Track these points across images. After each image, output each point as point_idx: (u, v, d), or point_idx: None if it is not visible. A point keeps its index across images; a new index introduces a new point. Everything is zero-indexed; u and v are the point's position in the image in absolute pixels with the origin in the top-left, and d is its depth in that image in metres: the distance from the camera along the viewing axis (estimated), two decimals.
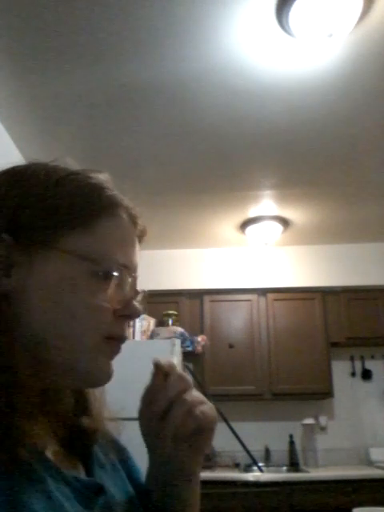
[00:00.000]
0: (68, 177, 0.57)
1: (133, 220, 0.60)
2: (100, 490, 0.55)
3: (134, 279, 0.58)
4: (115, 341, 0.57)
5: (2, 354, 0.49)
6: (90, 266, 0.54)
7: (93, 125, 2.68)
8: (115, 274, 0.54)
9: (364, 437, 4.21)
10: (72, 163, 0.61)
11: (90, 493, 0.53)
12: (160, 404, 0.58)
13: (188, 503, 0.65)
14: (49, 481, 0.49)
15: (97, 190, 0.57)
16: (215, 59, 2.21)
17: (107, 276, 0.54)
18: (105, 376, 0.57)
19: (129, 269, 0.57)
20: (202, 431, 0.59)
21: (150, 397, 0.60)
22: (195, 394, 0.59)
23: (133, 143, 2.86)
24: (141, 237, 0.62)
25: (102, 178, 0.60)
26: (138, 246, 0.61)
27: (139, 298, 0.60)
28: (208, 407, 0.60)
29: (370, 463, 4.00)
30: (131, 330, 3.55)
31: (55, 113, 2.57)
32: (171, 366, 0.61)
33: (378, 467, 3.77)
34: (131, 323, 3.51)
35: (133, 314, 0.57)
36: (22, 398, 0.48)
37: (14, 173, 0.58)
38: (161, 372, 0.60)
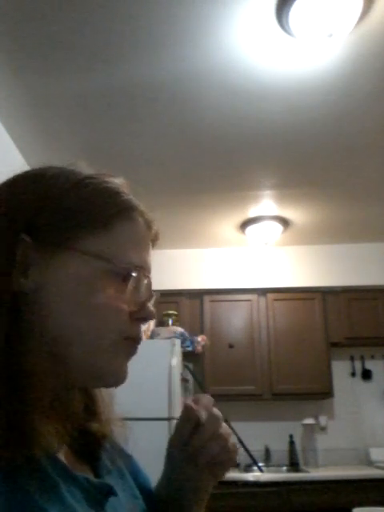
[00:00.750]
0: (85, 180, 0.58)
1: (148, 224, 0.61)
2: (110, 491, 0.55)
3: (149, 281, 0.59)
4: (132, 342, 0.58)
5: (20, 353, 0.49)
6: (107, 267, 0.54)
7: (93, 125, 2.68)
8: (133, 274, 0.55)
9: (364, 437, 4.21)
10: (86, 167, 0.62)
11: (100, 494, 0.54)
12: (201, 437, 0.62)
13: None
14: (61, 484, 0.49)
15: (114, 193, 0.58)
16: (215, 59, 2.21)
17: (125, 277, 0.55)
18: (121, 376, 0.58)
19: (145, 270, 0.58)
20: (226, 461, 0.64)
21: (185, 430, 0.63)
22: (226, 429, 0.64)
23: (133, 143, 2.86)
24: (154, 241, 0.64)
25: (118, 181, 0.61)
26: (151, 250, 0.62)
27: (153, 300, 0.61)
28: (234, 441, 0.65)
29: (370, 463, 4.00)
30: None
31: (55, 113, 2.57)
32: (206, 405, 0.64)
33: (378, 467, 3.77)
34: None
35: (148, 317, 0.58)
36: (38, 398, 0.48)
37: (33, 175, 0.59)
38: (195, 410, 0.63)
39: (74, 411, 0.59)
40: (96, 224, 0.55)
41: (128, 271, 0.55)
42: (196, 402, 0.64)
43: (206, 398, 0.65)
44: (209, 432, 0.62)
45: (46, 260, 0.53)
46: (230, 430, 0.65)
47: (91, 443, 0.61)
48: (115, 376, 0.57)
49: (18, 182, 0.58)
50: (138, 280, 0.56)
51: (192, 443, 0.62)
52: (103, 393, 0.64)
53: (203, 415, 0.62)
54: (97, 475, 0.60)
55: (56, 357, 0.52)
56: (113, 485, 0.58)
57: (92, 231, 0.55)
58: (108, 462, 0.64)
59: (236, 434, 3.60)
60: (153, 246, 0.63)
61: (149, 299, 0.59)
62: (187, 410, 0.63)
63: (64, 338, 0.53)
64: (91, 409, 0.62)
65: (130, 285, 0.55)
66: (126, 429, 0.67)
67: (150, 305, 0.59)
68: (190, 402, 0.64)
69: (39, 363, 0.50)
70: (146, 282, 0.58)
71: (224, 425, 0.64)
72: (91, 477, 0.57)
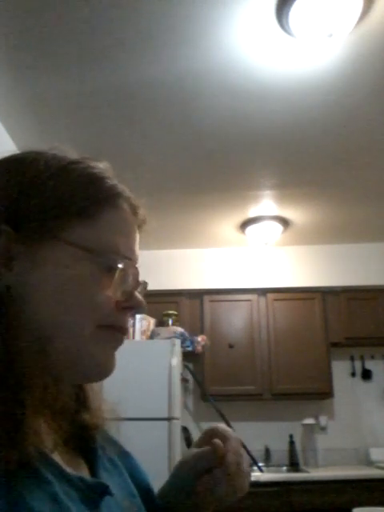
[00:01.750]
0: (69, 166, 0.56)
1: (133, 210, 0.60)
2: (104, 490, 0.54)
3: (136, 271, 0.58)
4: (117, 331, 0.56)
5: (7, 348, 0.48)
6: (93, 258, 0.53)
7: (92, 124, 2.68)
8: (120, 265, 0.54)
9: (364, 437, 4.21)
10: (70, 151, 0.60)
11: (95, 494, 0.52)
12: (215, 480, 0.63)
13: None
14: (56, 485, 0.48)
15: (98, 179, 0.57)
16: (215, 59, 2.21)
17: (111, 268, 0.54)
18: (108, 367, 0.56)
19: (131, 260, 0.57)
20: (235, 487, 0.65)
21: (202, 465, 0.65)
22: (246, 462, 0.65)
23: (133, 143, 2.86)
24: (141, 226, 0.61)
25: (102, 166, 0.60)
26: (138, 236, 0.60)
27: (140, 289, 0.60)
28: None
29: (370, 463, 4.00)
30: (131, 329, 3.55)
31: (55, 113, 2.57)
32: (235, 449, 0.64)
33: (378, 467, 3.77)
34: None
35: (136, 306, 0.57)
36: (28, 395, 0.47)
37: (12, 161, 0.57)
38: (223, 454, 0.64)
39: (65, 405, 0.56)
40: (81, 212, 0.53)
41: (114, 262, 0.54)
42: (224, 440, 0.65)
43: (235, 441, 0.65)
44: (233, 466, 0.62)
45: (29, 251, 0.52)
46: (247, 471, 0.65)
47: (84, 435, 0.60)
48: (101, 367, 0.55)
49: None
50: (124, 270, 0.55)
51: (203, 480, 0.64)
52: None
53: (230, 462, 0.63)
54: (92, 470, 0.58)
55: (41, 352, 0.50)
56: (108, 483, 0.57)
57: (77, 220, 0.53)
58: (104, 458, 0.62)
59: None
60: (140, 231, 0.61)
61: (136, 288, 0.57)
62: (215, 450, 0.64)
63: (47, 331, 0.51)
64: (82, 399, 0.60)
65: (117, 276, 0.54)
66: (118, 418, 0.65)
67: (138, 294, 0.58)
68: (218, 441, 0.64)
69: (26, 359, 0.48)
70: (132, 271, 0.57)
71: (244, 466, 0.65)
72: (86, 476, 0.56)
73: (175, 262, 4.37)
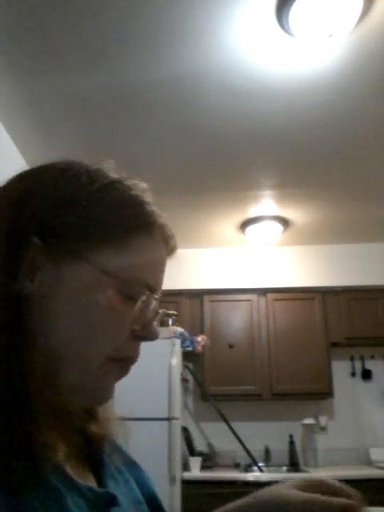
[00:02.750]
0: (110, 185, 0.55)
1: (166, 239, 0.58)
2: (112, 500, 0.54)
3: (158, 301, 0.56)
4: (126, 362, 0.55)
5: (21, 359, 0.47)
6: (117, 286, 0.52)
7: (93, 125, 2.68)
8: (143, 298, 0.53)
9: (364, 437, 4.21)
10: (112, 167, 0.58)
11: (103, 504, 0.52)
12: None
13: None
14: (66, 496, 0.48)
15: (136, 205, 0.55)
16: (215, 59, 2.21)
17: (133, 298, 0.53)
18: (107, 396, 0.56)
19: (155, 291, 0.56)
20: None
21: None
22: None
23: (132, 143, 2.86)
24: (171, 256, 0.60)
25: (142, 188, 0.58)
26: (166, 266, 0.59)
27: (158, 318, 0.58)
28: None
29: (370, 463, 4.00)
30: None
31: (55, 113, 2.57)
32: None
33: (378, 467, 3.77)
34: None
35: (150, 337, 0.56)
36: (40, 408, 0.47)
37: (54, 172, 0.55)
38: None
39: (74, 416, 0.56)
40: (113, 237, 0.52)
41: (138, 293, 0.52)
42: (334, 495, 0.57)
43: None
44: None
45: (55, 266, 0.51)
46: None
47: (91, 445, 0.59)
48: (101, 395, 0.55)
49: (36, 178, 0.55)
50: (146, 301, 0.54)
51: None
52: None
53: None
54: (100, 480, 0.58)
55: (49, 368, 0.49)
56: (115, 491, 0.57)
57: (107, 244, 0.52)
58: (111, 467, 0.62)
59: (236, 434, 3.60)
60: (169, 259, 0.60)
61: (154, 318, 0.56)
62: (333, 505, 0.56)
63: (61, 349, 0.50)
64: (90, 410, 0.60)
65: (138, 306, 0.53)
66: (126, 428, 0.64)
67: (155, 324, 0.56)
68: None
69: (39, 373, 0.48)
70: (154, 302, 0.55)
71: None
72: (94, 486, 0.55)
73: (175, 262, 4.33)
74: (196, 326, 4.16)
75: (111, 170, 0.58)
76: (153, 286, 0.55)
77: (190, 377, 4.15)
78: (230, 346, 4.14)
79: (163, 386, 3.05)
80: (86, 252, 0.51)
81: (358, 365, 4.39)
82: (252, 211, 3.78)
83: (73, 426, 0.55)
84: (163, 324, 3.84)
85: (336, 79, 2.34)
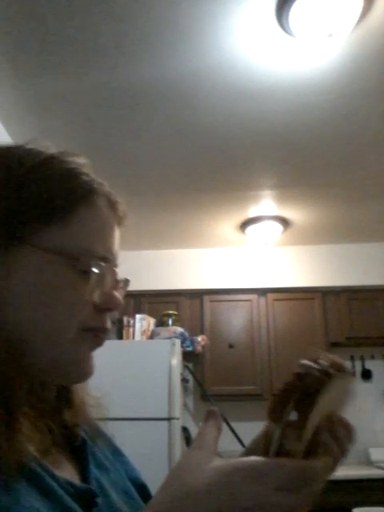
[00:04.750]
0: (42, 164, 0.53)
1: (112, 206, 0.57)
2: (93, 497, 0.53)
3: (114, 270, 0.57)
4: (96, 333, 0.55)
5: None
6: (67, 262, 0.51)
7: (92, 124, 2.68)
8: (94, 269, 0.52)
9: (364, 437, 4.20)
10: (48, 145, 0.57)
11: (84, 501, 0.51)
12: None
13: None
14: (50, 482, 0.48)
15: (72, 177, 0.54)
16: (215, 59, 2.21)
17: (85, 270, 0.52)
18: (86, 369, 0.55)
19: (109, 261, 0.55)
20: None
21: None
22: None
23: (133, 143, 2.86)
24: (121, 222, 0.59)
25: (79, 161, 0.57)
26: (118, 233, 0.59)
27: (121, 286, 0.59)
28: None
29: (370, 463, 4.00)
30: (131, 329, 3.55)
31: (55, 112, 2.57)
32: None
33: (378, 467, 3.77)
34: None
35: (114, 307, 0.56)
36: (13, 397, 0.47)
37: None
38: None
39: (50, 404, 0.56)
40: (53, 214, 0.51)
41: (89, 266, 0.52)
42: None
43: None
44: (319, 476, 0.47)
45: (4, 256, 0.50)
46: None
47: (69, 434, 0.58)
48: (79, 369, 0.54)
49: None
50: (101, 273, 0.53)
51: None
52: None
53: None
54: (84, 471, 0.57)
55: (22, 354, 0.50)
56: (102, 481, 0.56)
57: (49, 222, 0.51)
58: (99, 454, 0.61)
59: (236, 434, 3.60)
60: (120, 226, 0.59)
61: (114, 288, 0.56)
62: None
63: (26, 334, 0.50)
64: (63, 396, 0.59)
65: (92, 279, 0.52)
66: (103, 410, 0.63)
67: (117, 293, 0.56)
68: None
69: (7, 362, 0.48)
70: (111, 271, 0.55)
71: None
72: (75, 480, 0.54)
73: (175, 262, 4.37)
74: (196, 326, 4.16)
75: (46, 147, 0.57)
76: (105, 256, 0.54)
77: (190, 377, 4.15)
78: (230, 346, 4.14)
79: (163, 386, 3.05)
80: (29, 235, 0.51)
81: (358, 365, 4.39)
82: (252, 211, 3.78)
83: (50, 416, 0.55)
84: (163, 324, 3.84)
85: (336, 79, 2.34)
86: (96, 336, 0.55)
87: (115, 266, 0.57)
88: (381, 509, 1.45)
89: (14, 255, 0.50)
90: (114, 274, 0.57)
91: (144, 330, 3.56)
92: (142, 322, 3.57)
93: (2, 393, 0.46)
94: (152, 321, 3.68)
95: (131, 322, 3.56)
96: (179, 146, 2.90)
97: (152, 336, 3.55)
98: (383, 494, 3.30)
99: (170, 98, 2.47)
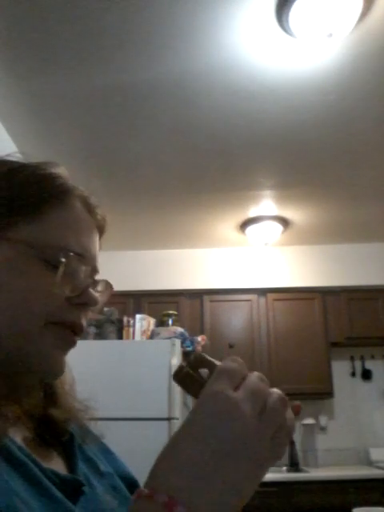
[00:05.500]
0: (15, 170, 0.57)
1: (88, 209, 0.59)
2: (79, 486, 0.54)
3: (91, 268, 0.57)
4: (67, 329, 0.55)
5: None
6: (37, 254, 0.53)
7: (92, 124, 2.68)
8: (62, 260, 0.54)
9: (364, 437, 4.21)
10: (22, 157, 0.61)
11: (70, 490, 0.52)
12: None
13: None
14: (34, 469, 0.49)
15: (45, 178, 0.57)
16: (215, 59, 2.21)
17: (55, 263, 0.54)
18: (55, 365, 0.55)
19: (83, 256, 0.56)
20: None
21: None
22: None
23: (132, 143, 2.86)
24: (101, 227, 0.61)
25: (57, 170, 0.60)
26: (96, 236, 0.60)
27: (100, 288, 0.59)
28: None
29: (370, 463, 4.00)
30: (131, 329, 3.55)
31: (55, 113, 2.57)
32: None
33: (378, 467, 3.77)
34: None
35: (88, 302, 0.56)
36: None
37: None
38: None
39: (34, 400, 0.57)
40: (27, 211, 0.54)
41: (56, 257, 0.54)
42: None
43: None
44: (284, 421, 0.48)
45: None
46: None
47: (54, 430, 0.59)
48: (47, 364, 0.55)
49: None
50: (70, 265, 0.54)
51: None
52: (63, 377, 0.61)
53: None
54: (70, 465, 0.58)
55: None
56: (89, 476, 0.57)
57: (22, 219, 0.54)
58: (86, 450, 0.62)
59: None
60: (101, 233, 0.61)
61: (91, 286, 0.57)
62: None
63: None
64: (50, 396, 0.60)
65: (60, 270, 0.53)
66: (91, 411, 0.63)
67: (93, 291, 0.57)
68: None
69: None
70: (84, 267, 0.56)
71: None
72: (61, 471, 0.55)
73: (175, 262, 4.37)
74: (196, 325, 4.15)
75: (23, 159, 0.60)
76: (78, 251, 0.56)
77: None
78: (230, 346, 4.14)
79: (163, 386, 3.04)
80: (3, 231, 0.53)
81: (358, 365, 4.39)
82: (252, 211, 3.78)
83: (31, 408, 0.56)
84: (163, 324, 3.84)
85: (336, 79, 2.34)
86: (67, 333, 0.56)
87: (92, 265, 0.58)
88: (381, 509, 1.45)
89: None
90: (90, 272, 0.57)
91: (144, 330, 3.55)
92: (142, 322, 3.57)
93: None
94: (152, 321, 3.68)
95: (131, 321, 3.56)
96: (179, 145, 2.90)
97: (152, 336, 3.55)
98: (383, 494, 3.30)
99: (170, 98, 2.47)
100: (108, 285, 0.61)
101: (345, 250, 4.35)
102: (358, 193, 3.50)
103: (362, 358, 4.39)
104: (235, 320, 4.23)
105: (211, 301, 4.28)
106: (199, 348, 3.78)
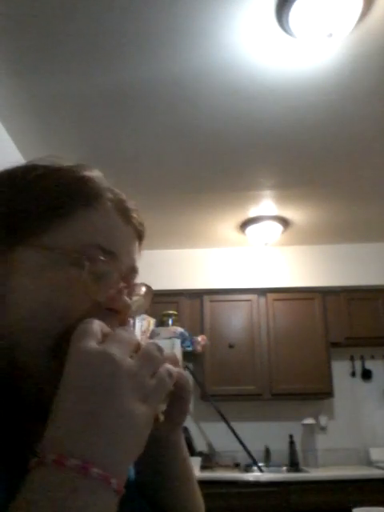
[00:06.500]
0: (45, 174, 0.55)
1: (123, 212, 0.56)
2: None
3: (126, 272, 0.54)
4: None
5: None
6: (62, 258, 0.51)
7: (92, 124, 2.68)
8: (87, 263, 0.50)
9: (364, 437, 4.21)
10: (66, 160, 0.59)
11: None
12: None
13: (180, 478, 0.60)
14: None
15: (76, 182, 0.55)
16: (215, 59, 2.21)
17: (82, 267, 0.50)
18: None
19: (112, 260, 0.53)
20: (176, 400, 0.55)
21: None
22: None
23: (132, 143, 2.86)
24: (138, 231, 0.58)
25: (90, 172, 0.58)
26: (131, 240, 0.57)
27: (140, 291, 0.56)
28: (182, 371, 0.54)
29: (370, 463, 4.00)
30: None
31: (55, 113, 2.57)
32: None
33: (378, 467, 3.77)
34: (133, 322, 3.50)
35: (119, 308, 0.52)
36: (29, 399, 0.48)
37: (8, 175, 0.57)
38: None
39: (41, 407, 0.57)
40: (54, 215, 0.52)
41: (82, 261, 0.50)
42: None
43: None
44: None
45: (4, 260, 0.51)
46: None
47: None
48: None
49: None
50: (97, 269, 0.51)
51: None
52: None
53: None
54: None
55: (11, 360, 0.49)
56: None
57: (49, 223, 0.52)
58: None
59: (236, 434, 3.59)
60: (139, 237, 0.58)
61: (123, 289, 0.53)
62: None
63: (16, 336, 0.49)
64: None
65: (85, 271, 0.50)
66: None
67: (127, 297, 0.53)
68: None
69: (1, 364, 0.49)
70: (114, 271, 0.52)
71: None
72: None
73: (175, 262, 4.37)
74: (196, 326, 4.15)
75: (57, 162, 0.58)
76: (107, 255, 0.52)
77: (189, 377, 4.15)
78: (230, 346, 4.14)
79: None
80: (30, 236, 0.51)
81: (358, 365, 4.39)
82: (252, 211, 3.78)
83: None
84: (163, 324, 3.84)
85: (336, 79, 2.34)
86: None
87: (127, 269, 0.55)
88: (381, 509, 1.45)
89: (14, 256, 0.51)
90: (123, 276, 0.54)
91: (144, 330, 3.55)
92: (142, 322, 3.56)
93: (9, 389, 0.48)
94: (152, 321, 3.68)
95: (131, 321, 3.56)
96: (179, 145, 2.90)
97: (152, 336, 3.54)
98: (383, 494, 3.30)
99: (169, 98, 2.47)
100: (148, 288, 0.57)
101: (345, 250, 4.35)
102: (357, 193, 3.50)
103: (362, 358, 4.39)
104: (235, 320, 4.23)
105: (211, 301, 4.28)
106: (199, 348, 3.78)
